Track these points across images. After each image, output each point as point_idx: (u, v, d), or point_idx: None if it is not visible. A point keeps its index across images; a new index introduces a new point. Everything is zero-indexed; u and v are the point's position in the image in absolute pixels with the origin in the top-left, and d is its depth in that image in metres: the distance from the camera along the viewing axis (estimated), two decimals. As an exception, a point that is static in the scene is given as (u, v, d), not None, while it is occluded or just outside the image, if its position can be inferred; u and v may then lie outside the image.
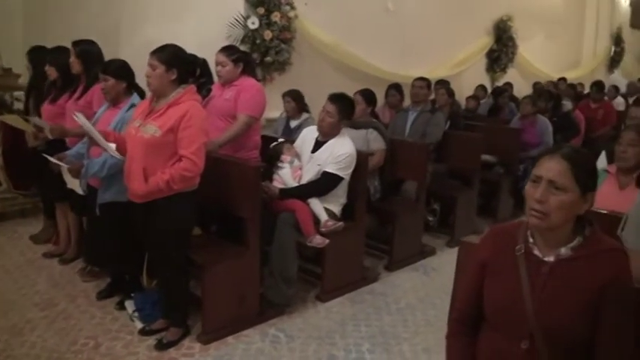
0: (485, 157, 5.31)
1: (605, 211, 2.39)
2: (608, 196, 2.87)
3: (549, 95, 6.86)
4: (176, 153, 2.85)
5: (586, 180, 1.57)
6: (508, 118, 6.82)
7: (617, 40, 13.69)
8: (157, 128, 2.83)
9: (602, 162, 3.49)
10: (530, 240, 1.66)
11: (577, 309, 1.54)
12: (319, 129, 3.76)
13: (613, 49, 13.67)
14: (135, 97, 3.41)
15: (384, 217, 4.45)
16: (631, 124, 3.31)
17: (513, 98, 8.08)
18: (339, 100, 3.72)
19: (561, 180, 1.54)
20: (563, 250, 1.60)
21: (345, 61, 6.20)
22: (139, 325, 3.30)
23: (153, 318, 3.29)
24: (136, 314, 3.36)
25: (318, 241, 3.56)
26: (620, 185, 2.91)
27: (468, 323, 1.78)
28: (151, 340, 3.17)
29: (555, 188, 1.54)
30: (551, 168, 1.56)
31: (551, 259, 1.61)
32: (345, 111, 3.71)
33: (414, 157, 4.47)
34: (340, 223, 3.66)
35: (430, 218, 5.03)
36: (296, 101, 4.91)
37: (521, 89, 8.94)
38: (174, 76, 2.89)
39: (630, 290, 1.56)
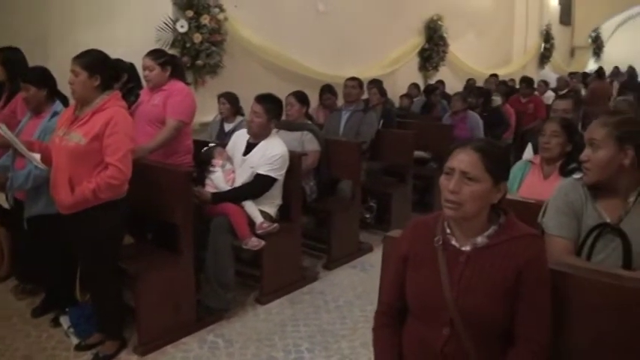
0: (419, 153, 5.44)
1: (531, 200, 2.46)
2: (533, 186, 3.00)
3: (479, 91, 7.09)
4: (102, 161, 2.78)
5: (497, 170, 1.63)
6: (440, 114, 7.01)
7: (547, 36, 14.24)
8: (82, 136, 2.76)
9: (528, 153, 3.63)
10: (448, 231, 1.72)
11: (494, 294, 1.61)
12: (249, 130, 3.76)
13: (543, 45, 14.22)
14: (57, 105, 3.31)
15: (321, 217, 4.49)
16: (554, 116, 3.45)
17: (445, 95, 8.29)
18: (265, 100, 3.72)
19: (473, 171, 1.60)
20: (479, 239, 1.67)
21: (278, 63, 6.21)
22: (75, 340, 3.20)
23: (88, 332, 3.20)
24: (72, 330, 3.26)
25: (254, 243, 3.55)
26: (544, 175, 3.02)
27: (393, 315, 1.82)
28: (88, 356, 3.09)
29: (468, 179, 1.60)
30: (462, 160, 1.62)
31: (467, 248, 1.67)
32: (272, 110, 3.71)
33: (348, 156, 4.53)
34: (276, 225, 3.67)
35: (367, 215, 5.11)
36: (231, 103, 4.89)
37: (454, 86, 9.17)
38: (97, 82, 2.82)
39: (546, 272, 1.64)
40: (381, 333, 1.84)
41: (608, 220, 1.97)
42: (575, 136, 2.94)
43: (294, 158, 3.80)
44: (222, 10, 5.35)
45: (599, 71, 11.37)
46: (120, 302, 3.20)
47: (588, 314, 1.69)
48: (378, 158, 5.35)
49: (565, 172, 2.81)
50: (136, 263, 3.13)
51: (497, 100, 7.40)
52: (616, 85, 12.42)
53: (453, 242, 1.70)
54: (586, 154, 2.00)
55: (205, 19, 5.21)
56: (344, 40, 7.12)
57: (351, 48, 7.26)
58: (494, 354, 1.63)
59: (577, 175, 2.12)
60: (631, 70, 13.50)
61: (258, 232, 3.59)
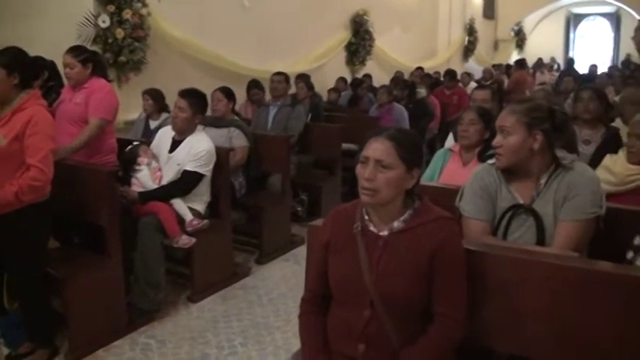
0: (347, 145, 5.52)
1: (452, 186, 2.54)
2: (453, 173, 3.13)
3: (404, 84, 7.28)
4: (24, 162, 2.70)
5: (410, 157, 1.71)
6: (367, 107, 7.15)
7: (471, 30, 14.73)
8: (2, 137, 2.67)
9: (449, 142, 3.78)
10: (366, 217, 1.80)
11: (412, 275, 1.69)
12: (174, 127, 3.72)
13: (467, 38, 14.70)
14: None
15: (252, 212, 4.51)
16: (472, 105, 3.60)
17: (373, 89, 8.45)
18: (189, 94, 3.70)
19: (387, 159, 1.68)
20: (396, 224, 1.75)
21: (203, 59, 6.15)
22: (5, 351, 3.09)
23: (18, 342, 3.08)
24: (1, 340, 3.16)
25: (184, 241, 3.53)
26: (463, 162, 3.16)
27: (318, 302, 1.88)
28: (19, 365, 2.99)
29: (382, 167, 1.68)
30: (376, 148, 1.69)
31: (385, 233, 1.75)
32: (197, 105, 3.69)
33: (277, 151, 4.57)
34: (206, 221, 3.65)
35: (298, 208, 5.16)
36: (154, 99, 4.82)
37: (382, 80, 9.34)
38: (16, 81, 2.73)
39: (460, 252, 1.74)
40: (306, 319, 1.89)
41: (521, 201, 2.10)
42: (492, 123, 3.09)
43: (222, 153, 3.79)
44: (144, 4, 5.25)
45: (521, 62, 11.90)
46: (49, 309, 3.08)
47: (505, 290, 1.81)
48: (307, 152, 5.42)
49: (483, 159, 2.93)
50: (63, 268, 3.05)
51: (422, 92, 7.62)
52: (539, 75, 13.05)
53: (372, 228, 1.78)
54: (498, 140, 2.11)
55: (128, 14, 5.10)
56: (270, 35, 7.14)
57: (277, 43, 7.28)
58: (413, 332, 1.71)
59: (491, 161, 2.24)
60: (593, 67, 14.23)
61: (188, 229, 3.56)
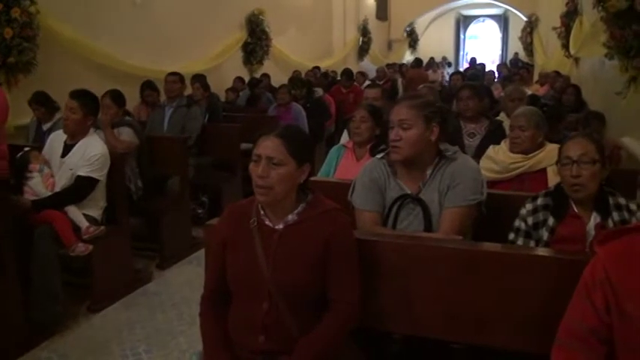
0: (246, 145, 5.55)
1: (346, 181, 2.63)
2: (347, 168, 3.27)
3: (302, 83, 7.42)
4: None
5: (300, 153, 1.80)
6: (266, 107, 7.22)
7: (364, 30, 15.26)
8: None
9: (344, 139, 3.93)
10: (262, 212, 1.87)
11: (306, 266, 1.78)
12: (65, 129, 3.59)
13: (361, 39, 15.20)
14: None
15: (151, 216, 4.44)
16: (363, 103, 3.76)
17: (271, 88, 8.54)
18: (80, 95, 3.58)
19: (277, 155, 1.75)
20: (290, 217, 1.84)
21: (96, 59, 5.94)
22: None
23: None
24: None
25: (81, 249, 3.42)
26: (357, 157, 3.32)
27: (218, 299, 1.93)
28: None
29: (274, 164, 1.75)
30: (267, 146, 1.77)
31: (280, 226, 1.83)
32: (89, 106, 3.58)
33: (175, 152, 4.54)
34: (102, 228, 3.56)
35: (199, 211, 5.14)
36: (43, 105, 4.60)
37: (280, 79, 9.40)
38: None
39: (351, 241, 1.85)
40: (206, 317, 1.93)
41: (409, 192, 2.25)
42: (382, 120, 3.26)
43: (115, 157, 3.71)
44: (33, 2, 4.99)
45: (417, 61, 12.50)
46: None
47: (396, 275, 1.95)
48: (206, 153, 5.38)
49: (375, 153, 3.10)
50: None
51: (319, 91, 7.80)
52: (431, 74, 13.69)
53: (267, 222, 1.85)
54: (397, 133, 2.22)
55: (16, 12, 4.82)
56: (164, 34, 7.01)
57: (172, 42, 7.17)
58: (311, 320, 1.80)
59: (379, 155, 2.38)
60: (480, 66, 14.99)
61: (85, 237, 3.46)
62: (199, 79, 6.12)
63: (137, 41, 6.56)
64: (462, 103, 3.99)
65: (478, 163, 2.80)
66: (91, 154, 3.51)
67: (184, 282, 4.10)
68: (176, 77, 5.26)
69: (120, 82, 5.23)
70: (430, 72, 14.23)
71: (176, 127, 5.08)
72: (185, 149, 4.58)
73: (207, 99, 6.06)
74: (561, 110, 5.15)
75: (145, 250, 4.51)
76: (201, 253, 4.55)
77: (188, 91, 5.81)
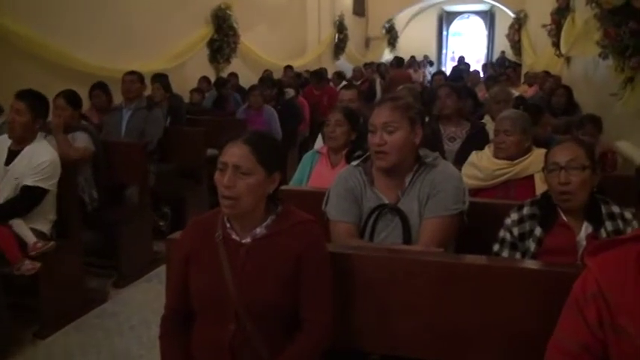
0: (212, 151, 5.52)
1: (320, 190, 2.62)
2: (321, 175, 3.27)
3: (271, 83, 7.41)
4: None
5: (269, 161, 1.78)
6: (234, 109, 7.19)
7: (341, 27, 15.30)
8: None
9: (319, 144, 3.92)
10: (228, 225, 1.85)
11: (277, 283, 1.76)
12: (10, 133, 3.51)
13: (337, 36, 15.23)
14: None
15: (107, 229, 4.38)
16: (338, 106, 3.77)
17: (240, 89, 8.50)
18: (28, 95, 3.52)
19: (245, 164, 1.73)
20: (259, 230, 1.82)
21: (46, 56, 5.83)
22: None
23: None
24: None
25: (27, 267, 3.35)
26: (332, 164, 3.31)
27: (180, 320, 1.90)
28: None
29: (241, 173, 1.73)
30: (234, 153, 1.74)
31: (248, 240, 1.81)
32: (37, 108, 3.53)
33: (132, 159, 4.48)
34: (52, 243, 3.50)
35: (161, 223, 5.09)
36: None
37: (250, 79, 9.39)
38: None
39: (324, 255, 1.84)
40: (167, 340, 1.90)
41: (387, 201, 2.25)
42: (358, 124, 3.26)
43: (67, 164, 3.65)
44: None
45: (398, 60, 12.57)
46: None
47: (372, 290, 1.95)
48: (168, 159, 5.35)
49: (351, 160, 3.10)
50: None
51: (290, 92, 7.79)
52: (412, 73, 13.80)
53: (234, 236, 1.83)
54: (382, 138, 2.20)
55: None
56: (122, 30, 6.92)
57: (131, 38, 7.08)
58: (281, 341, 1.79)
59: (355, 162, 2.38)
60: (465, 65, 15.17)
61: (32, 253, 3.40)
62: (160, 78, 6.07)
63: (92, 37, 6.47)
64: (440, 101, 4.07)
65: (459, 169, 2.82)
66: (38, 161, 3.44)
67: (143, 302, 4.04)
68: (134, 76, 5.19)
69: (74, 82, 5.14)
70: (411, 71, 14.35)
71: (135, 131, 5.02)
72: (145, 155, 4.53)
73: (168, 100, 6.01)
74: (541, 105, 5.18)
75: (101, 267, 4.45)
76: (163, 269, 4.50)
77: (148, 91, 5.76)
